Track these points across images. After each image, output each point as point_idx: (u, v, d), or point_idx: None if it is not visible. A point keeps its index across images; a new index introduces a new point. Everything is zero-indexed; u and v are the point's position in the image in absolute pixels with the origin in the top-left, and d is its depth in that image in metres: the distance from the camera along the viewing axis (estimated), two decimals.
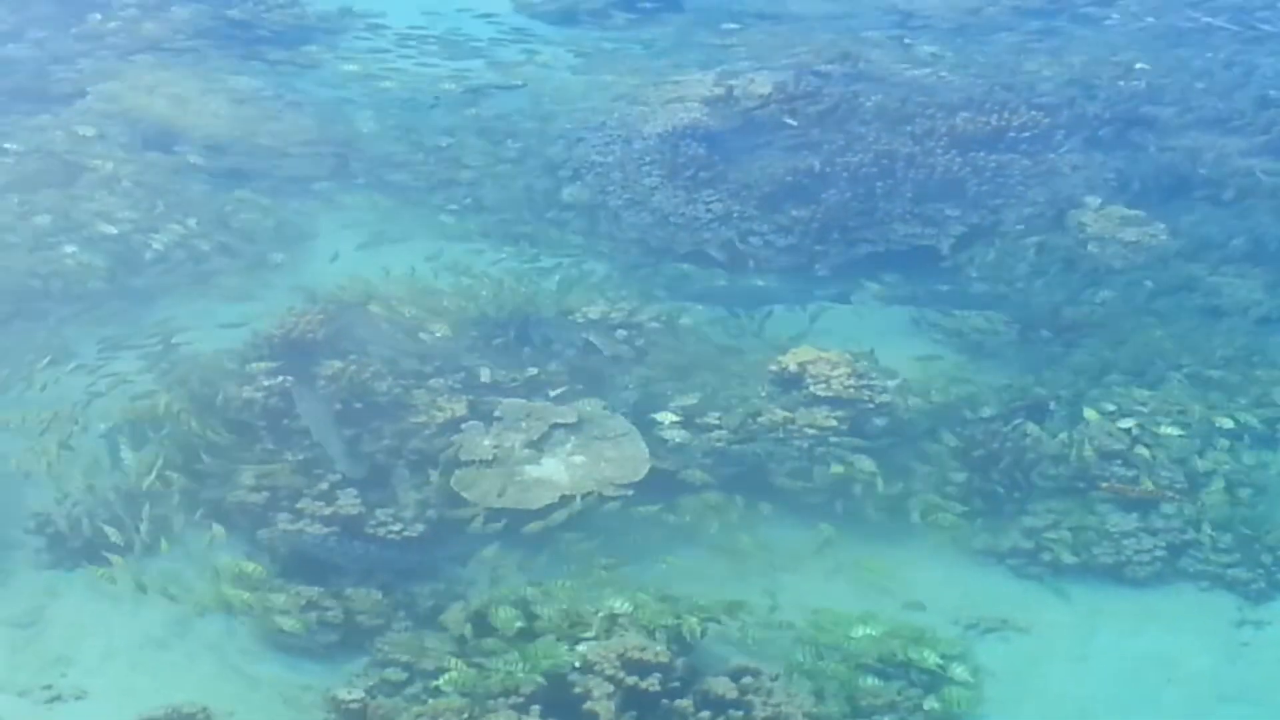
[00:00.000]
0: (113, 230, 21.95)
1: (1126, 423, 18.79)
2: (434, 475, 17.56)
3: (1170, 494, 17.89)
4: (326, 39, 28.69)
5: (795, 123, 24.65)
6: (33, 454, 17.92)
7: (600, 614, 15.59)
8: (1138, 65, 27.27)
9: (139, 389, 19.12)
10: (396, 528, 16.93)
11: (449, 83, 26.87)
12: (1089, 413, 18.95)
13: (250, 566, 16.46)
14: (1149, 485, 17.97)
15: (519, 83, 24.47)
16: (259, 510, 17.20)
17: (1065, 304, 21.28)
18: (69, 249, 21.49)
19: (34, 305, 20.64)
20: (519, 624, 15.49)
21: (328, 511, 16.98)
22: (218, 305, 21.04)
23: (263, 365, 18.90)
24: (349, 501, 17.11)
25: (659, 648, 15.06)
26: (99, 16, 28.29)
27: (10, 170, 23.25)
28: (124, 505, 17.27)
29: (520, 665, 14.83)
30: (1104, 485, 18.02)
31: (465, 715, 14.43)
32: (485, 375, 19.20)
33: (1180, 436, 18.65)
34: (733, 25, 29.24)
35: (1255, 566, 17.22)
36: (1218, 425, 18.93)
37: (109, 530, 16.84)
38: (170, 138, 24.42)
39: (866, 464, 18.06)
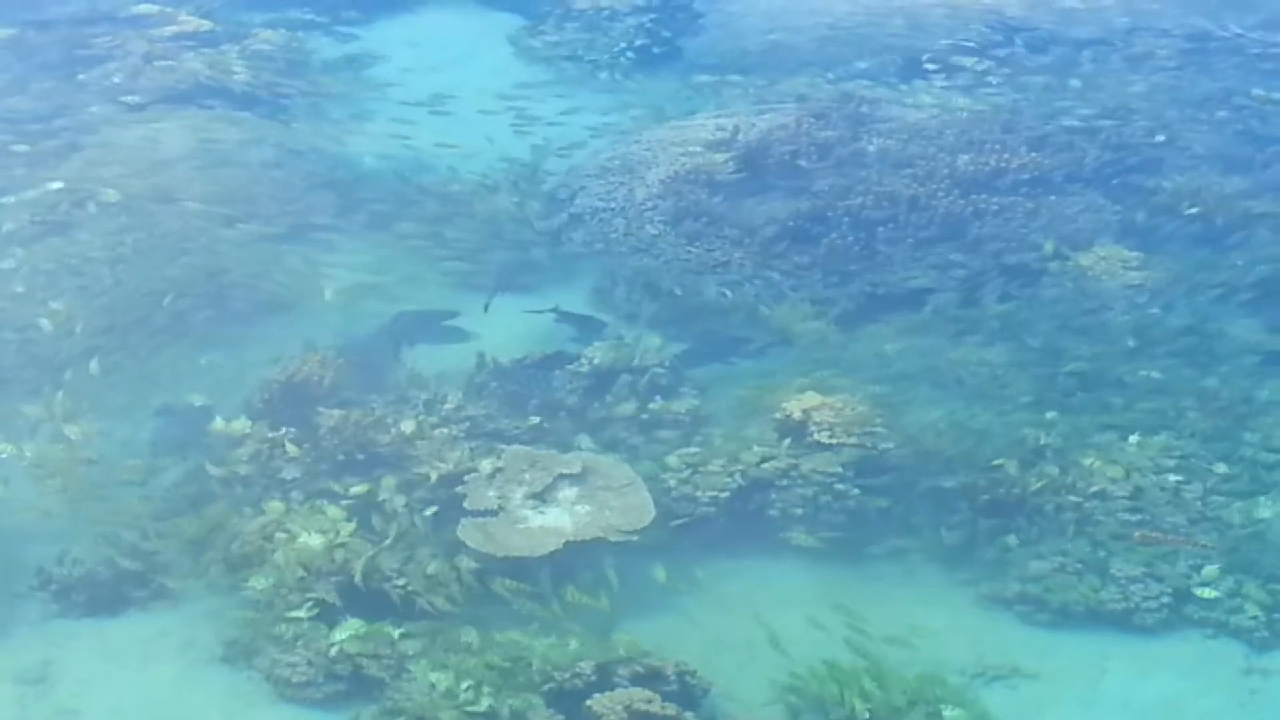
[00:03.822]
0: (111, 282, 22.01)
1: (1129, 466, 18.79)
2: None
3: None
4: (331, 88, 28.71)
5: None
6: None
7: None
8: (1138, 104, 27.27)
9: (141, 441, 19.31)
10: (401, 582, 16.97)
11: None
12: (1091, 457, 18.95)
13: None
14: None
15: None
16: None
17: (1066, 347, 21.22)
18: (55, 305, 21.53)
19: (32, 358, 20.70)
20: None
21: (333, 564, 17.02)
22: (219, 354, 21.08)
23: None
24: (355, 548, 17.17)
25: (665, 702, 15.18)
26: (103, 67, 28.36)
27: (9, 221, 23.27)
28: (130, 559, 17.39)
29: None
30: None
31: None
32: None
33: (1182, 481, 18.65)
34: (735, 73, 29.23)
35: (1259, 613, 17.21)
36: (1219, 470, 18.93)
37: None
38: (172, 187, 24.42)
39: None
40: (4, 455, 18.85)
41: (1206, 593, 17.34)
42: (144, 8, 30.73)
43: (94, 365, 20.28)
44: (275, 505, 17.98)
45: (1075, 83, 28.31)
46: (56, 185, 24.09)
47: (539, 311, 21.84)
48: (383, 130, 26.85)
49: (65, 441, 19.06)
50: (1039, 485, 18.57)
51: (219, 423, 19.29)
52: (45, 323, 20.90)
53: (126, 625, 16.61)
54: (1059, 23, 30.65)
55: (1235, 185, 24.62)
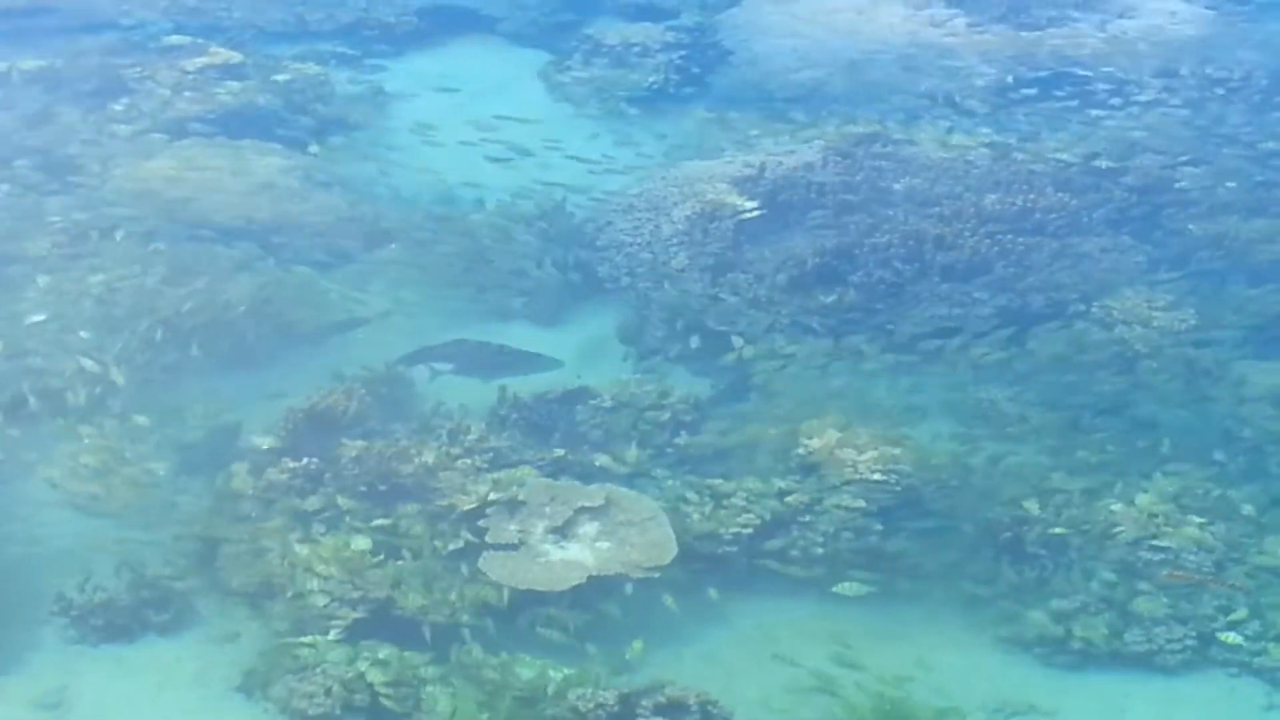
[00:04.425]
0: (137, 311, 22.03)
1: (1154, 507, 18.70)
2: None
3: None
4: (356, 122, 28.76)
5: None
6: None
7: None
8: (1161, 145, 27.25)
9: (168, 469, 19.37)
10: (422, 610, 16.95)
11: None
12: (1115, 497, 18.89)
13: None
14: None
15: None
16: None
17: (1092, 387, 21.17)
18: (82, 334, 21.57)
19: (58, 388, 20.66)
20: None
21: (355, 594, 17.03)
22: (246, 383, 21.12)
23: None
24: (376, 579, 17.18)
25: None
26: (131, 97, 28.44)
27: (36, 250, 23.34)
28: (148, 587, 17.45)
29: None
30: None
31: None
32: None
33: (1205, 523, 18.57)
34: (762, 111, 29.23)
35: None
36: (1245, 510, 18.87)
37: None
38: (199, 217, 24.46)
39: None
40: (50, 478, 18.98)
41: (1231, 638, 17.27)
42: (175, 39, 30.87)
43: (119, 404, 20.29)
44: (297, 534, 17.99)
45: (1096, 124, 28.31)
46: (84, 214, 24.16)
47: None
48: (410, 162, 26.88)
49: (101, 471, 19.12)
50: (1062, 525, 18.52)
51: (247, 444, 19.44)
52: (88, 362, 20.81)
53: (144, 651, 16.63)
54: (1078, 65, 30.58)
55: (1261, 228, 24.55)
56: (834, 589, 17.77)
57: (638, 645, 16.77)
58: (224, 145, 26.90)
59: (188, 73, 29.37)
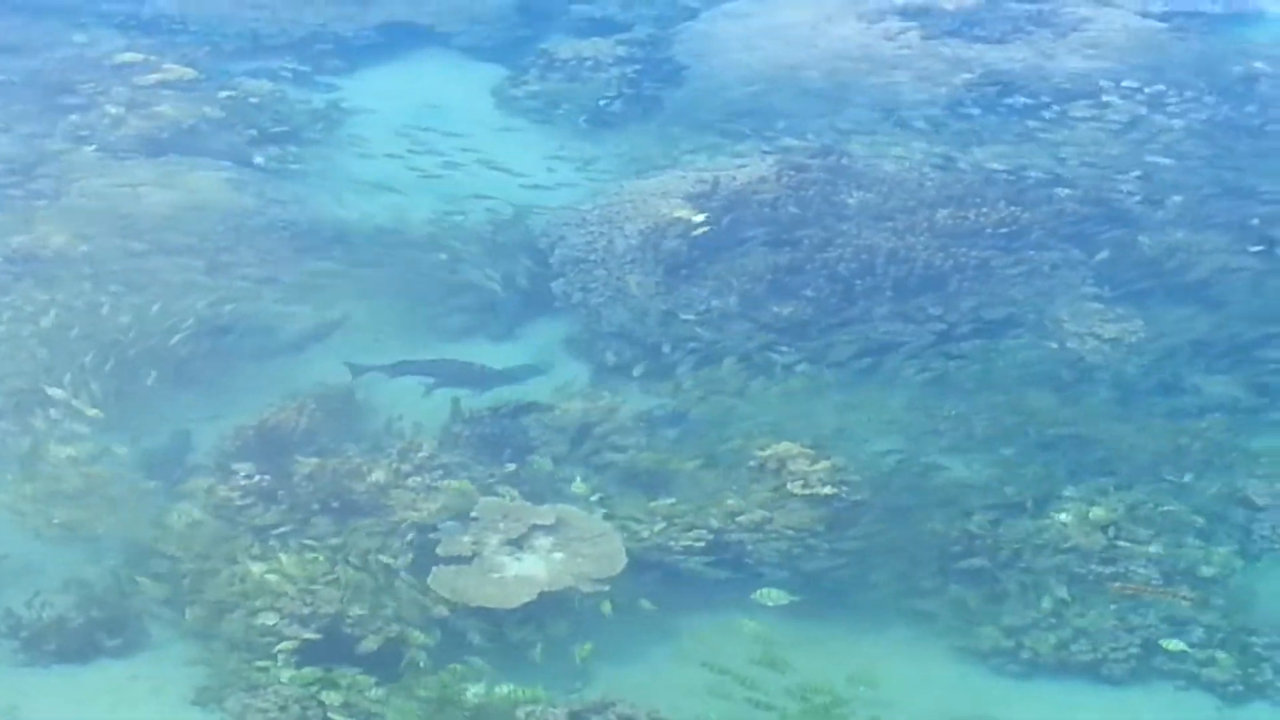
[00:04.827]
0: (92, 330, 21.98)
1: (1103, 520, 18.79)
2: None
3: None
4: (308, 137, 28.75)
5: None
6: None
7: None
8: (1111, 161, 27.37)
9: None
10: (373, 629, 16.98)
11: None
12: (1066, 510, 18.98)
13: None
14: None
15: None
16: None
17: (1043, 401, 21.24)
18: (40, 353, 21.53)
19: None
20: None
21: (306, 611, 17.03)
22: (198, 401, 21.09)
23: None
24: (328, 596, 17.19)
25: None
26: (85, 114, 28.34)
27: None
28: (101, 606, 17.39)
29: None
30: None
31: None
32: None
33: (1155, 535, 18.67)
34: (716, 126, 29.23)
35: (1231, 667, 17.22)
36: (1195, 523, 18.98)
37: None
38: (148, 234, 24.40)
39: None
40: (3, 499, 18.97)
41: (1174, 645, 17.35)
42: (128, 55, 30.76)
43: (75, 426, 20.26)
44: (250, 551, 17.99)
45: (1049, 137, 28.36)
46: (35, 233, 24.07)
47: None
48: (361, 176, 26.90)
49: (55, 493, 19.10)
50: (1013, 539, 18.60)
51: (202, 462, 19.50)
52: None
53: (96, 670, 16.58)
54: (1031, 78, 30.59)
55: (1211, 241, 24.65)
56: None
57: (587, 647, 16.86)
58: (174, 161, 26.88)
59: (141, 89, 29.29)
